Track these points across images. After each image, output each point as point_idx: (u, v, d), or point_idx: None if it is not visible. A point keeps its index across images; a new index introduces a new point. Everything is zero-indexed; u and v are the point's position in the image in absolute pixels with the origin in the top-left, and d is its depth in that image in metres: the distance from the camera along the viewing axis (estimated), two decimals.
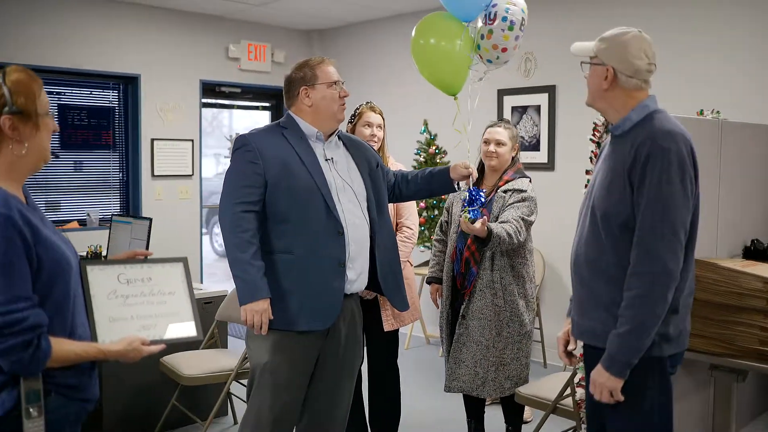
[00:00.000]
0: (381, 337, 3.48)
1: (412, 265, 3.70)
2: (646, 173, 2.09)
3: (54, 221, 5.84)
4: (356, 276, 2.70)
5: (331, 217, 2.62)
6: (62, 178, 5.96)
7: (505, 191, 3.44)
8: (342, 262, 2.63)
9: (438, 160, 6.00)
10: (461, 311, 3.45)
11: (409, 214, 3.59)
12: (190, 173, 6.50)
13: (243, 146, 2.65)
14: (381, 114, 3.59)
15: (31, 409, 1.64)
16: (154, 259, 2.12)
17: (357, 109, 3.59)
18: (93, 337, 1.85)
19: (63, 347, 1.71)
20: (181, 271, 2.11)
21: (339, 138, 2.83)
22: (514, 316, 3.39)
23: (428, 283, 3.75)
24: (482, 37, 3.06)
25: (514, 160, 3.57)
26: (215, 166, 7.25)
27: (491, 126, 3.60)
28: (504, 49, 3.06)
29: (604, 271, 2.19)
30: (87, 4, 5.85)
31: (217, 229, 8.68)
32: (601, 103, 2.30)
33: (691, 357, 3.03)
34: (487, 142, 3.54)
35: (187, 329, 2.06)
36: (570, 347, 2.44)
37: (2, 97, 1.69)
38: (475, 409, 3.73)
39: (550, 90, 5.57)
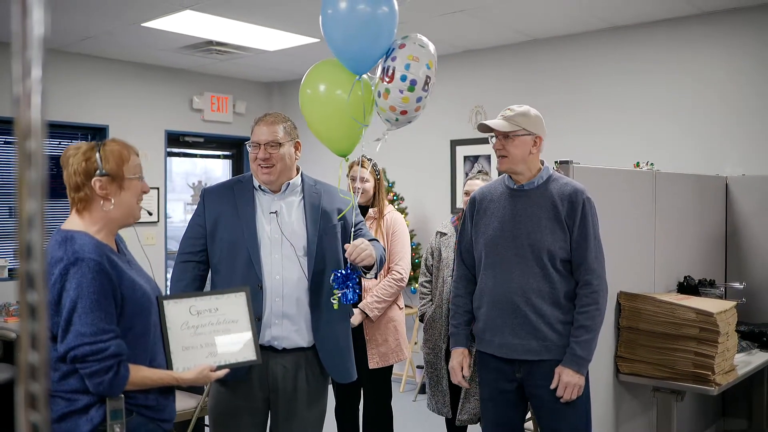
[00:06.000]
0: (373, 375, 3.70)
1: (401, 308, 3.89)
2: (585, 217, 2.69)
3: None
4: (287, 332, 2.65)
5: (251, 271, 2.62)
6: None
7: None
8: (258, 316, 2.55)
9: (396, 206, 6.35)
10: (472, 350, 3.59)
11: (399, 258, 3.78)
12: (156, 220, 6.71)
13: (199, 199, 2.83)
14: (369, 169, 3.78)
15: (115, 426, 1.90)
16: (219, 291, 2.35)
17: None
18: (168, 365, 2.10)
19: (140, 374, 1.97)
20: (244, 300, 2.31)
21: (303, 188, 2.79)
22: None
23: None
24: (379, 94, 2.63)
25: None
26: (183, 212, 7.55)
27: (470, 179, 3.90)
28: (404, 112, 2.63)
29: (553, 298, 2.70)
30: (58, 58, 6.07)
31: None
32: (522, 166, 2.77)
33: (635, 381, 3.43)
34: (467, 193, 3.80)
35: (248, 354, 2.27)
36: (465, 373, 2.93)
37: (95, 162, 2.00)
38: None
39: None
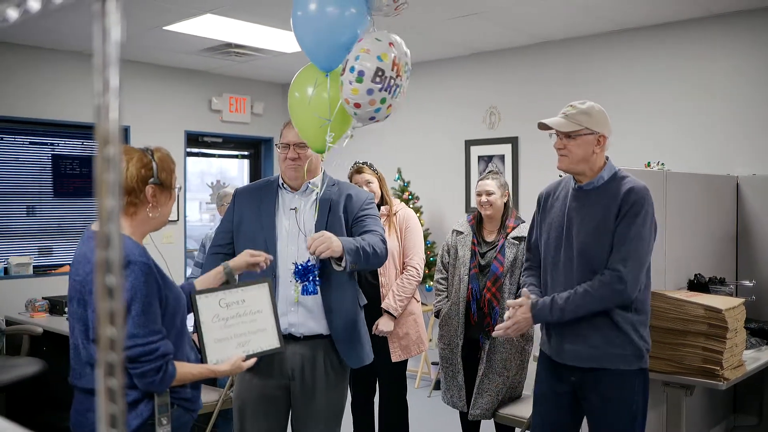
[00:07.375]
0: (389, 369, 3.82)
1: (418, 301, 4.01)
2: (630, 216, 2.59)
3: (46, 265, 6.12)
4: (303, 319, 2.80)
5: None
6: (54, 224, 6.24)
7: (515, 238, 3.78)
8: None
9: (411, 206, 6.45)
10: (486, 346, 3.77)
11: (413, 254, 3.91)
12: (175, 218, 6.84)
13: (231, 197, 3.05)
14: (369, 171, 3.95)
15: (162, 419, 2.01)
16: (244, 283, 2.45)
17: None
18: (203, 358, 2.19)
19: (184, 370, 2.07)
20: (267, 291, 2.42)
21: (322, 187, 2.92)
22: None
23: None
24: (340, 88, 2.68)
25: (507, 206, 3.91)
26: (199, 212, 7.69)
27: (481, 179, 3.95)
28: (357, 105, 2.58)
29: None
30: (81, 61, 6.23)
31: None
32: (584, 166, 2.67)
33: None
34: (479, 194, 3.88)
35: (273, 342, 2.37)
36: (508, 314, 2.83)
37: (151, 170, 2.08)
38: (473, 427, 4.05)
39: (513, 141, 6.11)
